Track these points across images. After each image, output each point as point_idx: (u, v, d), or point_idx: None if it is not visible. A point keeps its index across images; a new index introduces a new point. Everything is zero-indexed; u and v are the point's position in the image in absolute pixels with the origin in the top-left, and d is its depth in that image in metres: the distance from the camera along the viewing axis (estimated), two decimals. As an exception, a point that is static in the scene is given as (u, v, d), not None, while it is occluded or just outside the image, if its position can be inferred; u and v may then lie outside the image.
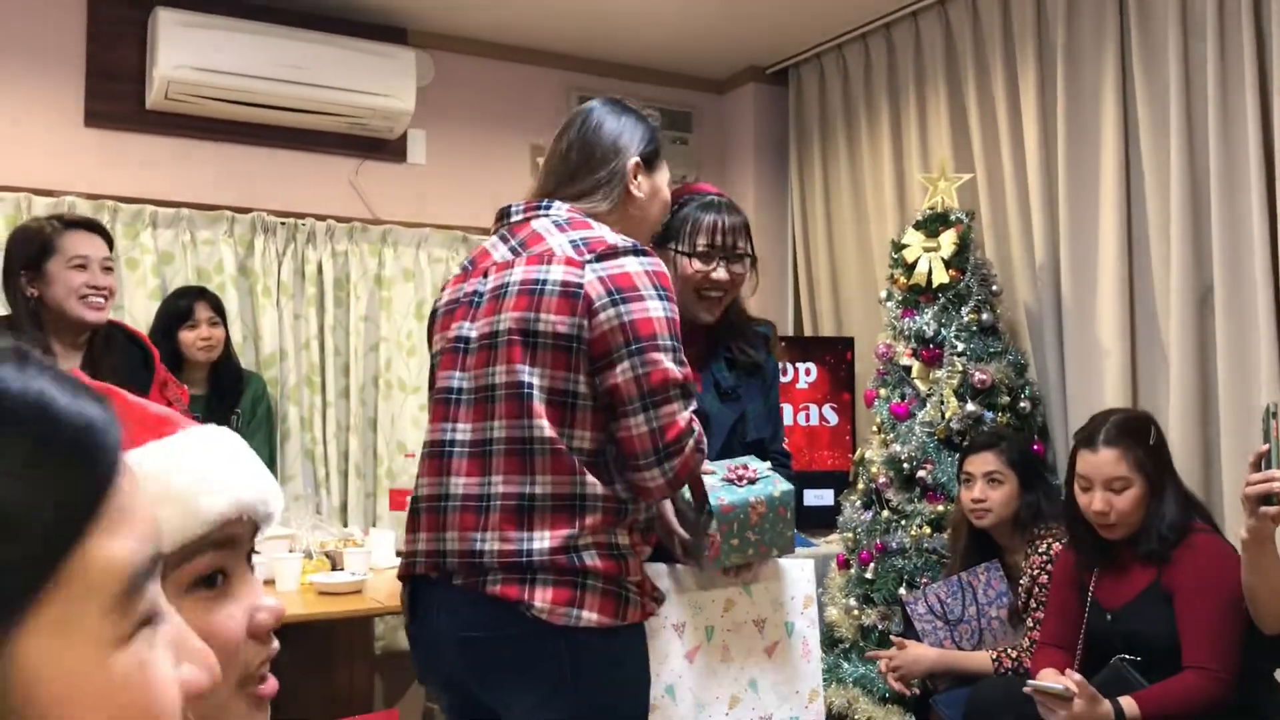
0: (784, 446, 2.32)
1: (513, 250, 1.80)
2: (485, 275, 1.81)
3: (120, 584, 0.47)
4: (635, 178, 1.85)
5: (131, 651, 0.48)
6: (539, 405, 1.66)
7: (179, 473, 0.74)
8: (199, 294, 3.55)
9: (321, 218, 4.10)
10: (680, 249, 2.15)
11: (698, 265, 2.13)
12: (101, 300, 2.58)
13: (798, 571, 2.15)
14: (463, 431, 1.73)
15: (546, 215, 1.82)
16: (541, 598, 1.63)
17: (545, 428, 1.66)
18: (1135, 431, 2.47)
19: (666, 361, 1.65)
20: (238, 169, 4.01)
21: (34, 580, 0.45)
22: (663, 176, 1.93)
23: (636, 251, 1.72)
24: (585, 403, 1.68)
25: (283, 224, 4.05)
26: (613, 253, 1.71)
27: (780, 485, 2.01)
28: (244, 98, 3.82)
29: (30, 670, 0.44)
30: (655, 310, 1.67)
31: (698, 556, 1.97)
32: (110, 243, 2.71)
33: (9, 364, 0.48)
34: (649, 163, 1.88)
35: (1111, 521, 2.43)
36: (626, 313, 1.66)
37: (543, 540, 1.64)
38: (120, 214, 3.80)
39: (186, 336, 3.45)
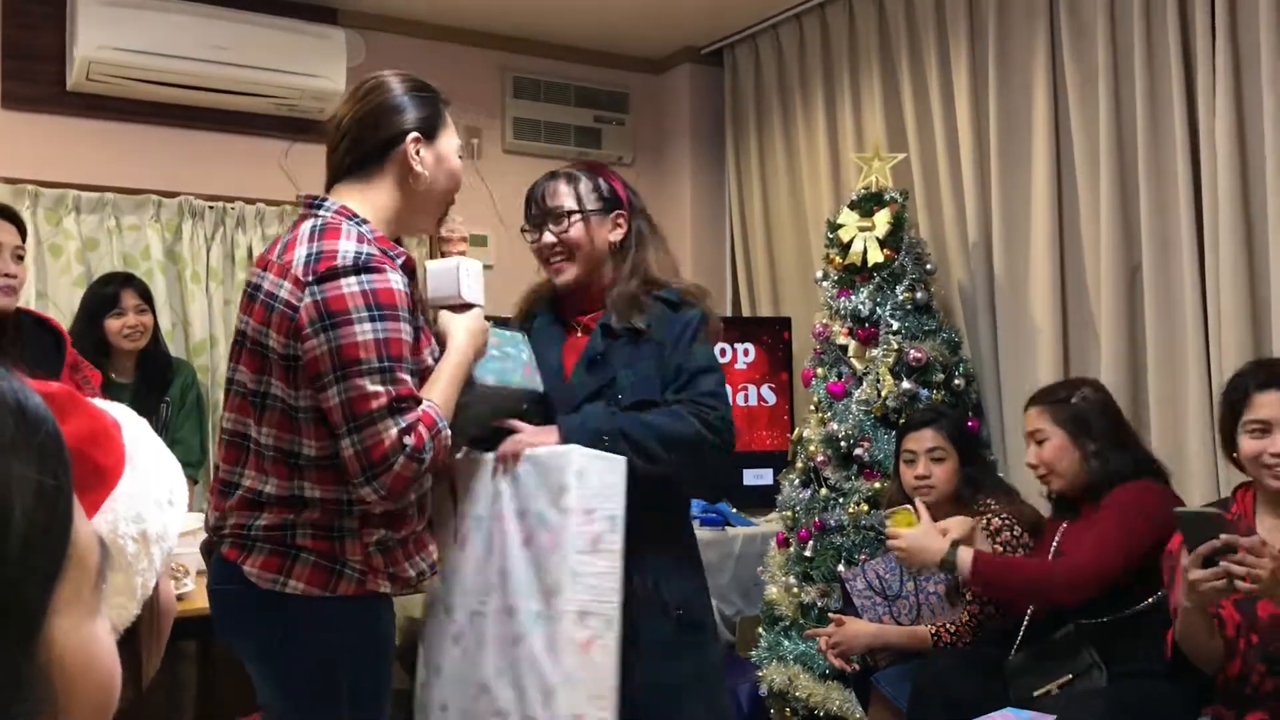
0: (704, 395, 2.14)
1: (281, 249, 1.85)
2: (263, 269, 1.86)
3: (96, 557, 0.52)
4: (416, 152, 1.86)
5: (103, 616, 0.53)
6: (269, 414, 1.79)
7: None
8: (125, 280, 3.47)
9: (251, 201, 4.03)
10: (524, 226, 2.26)
11: (529, 237, 2.24)
12: (12, 287, 2.55)
13: (555, 459, 2.03)
14: (229, 420, 1.88)
15: (315, 216, 1.85)
16: (253, 563, 1.79)
17: (273, 435, 1.79)
18: (1060, 393, 2.75)
19: (370, 385, 1.71)
20: (163, 152, 3.92)
21: (61, 556, 0.49)
22: (447, 145, 1.93)
23: (359, 270, 1.74)
24: (308, 415, 1.77)
25: (211, 208, 3.97)
26: (332, 274, 1.73)
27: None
28: (168, 79, 3.74)
29: (57, 646, 0.49)
30: (363, 334, 1.71)
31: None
32: (22, 230, 2.65)
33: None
34: (429, 134, 1.89)
35: (1043, 472, 2.71)
36: (335, 338, 1.72)
37: (267, 519, 1.80)
38: (42, 199, 3.70)
39: (113, 324, 3.37)
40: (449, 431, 1.80)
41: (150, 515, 0.62)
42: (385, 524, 1.81)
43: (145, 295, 3.48)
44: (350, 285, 1.73)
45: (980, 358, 3.66)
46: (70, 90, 3.73)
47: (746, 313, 4.70)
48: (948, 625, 2.83)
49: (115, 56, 3.62)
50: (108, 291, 3.41)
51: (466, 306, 1.98)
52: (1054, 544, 2.70)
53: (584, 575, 1.98)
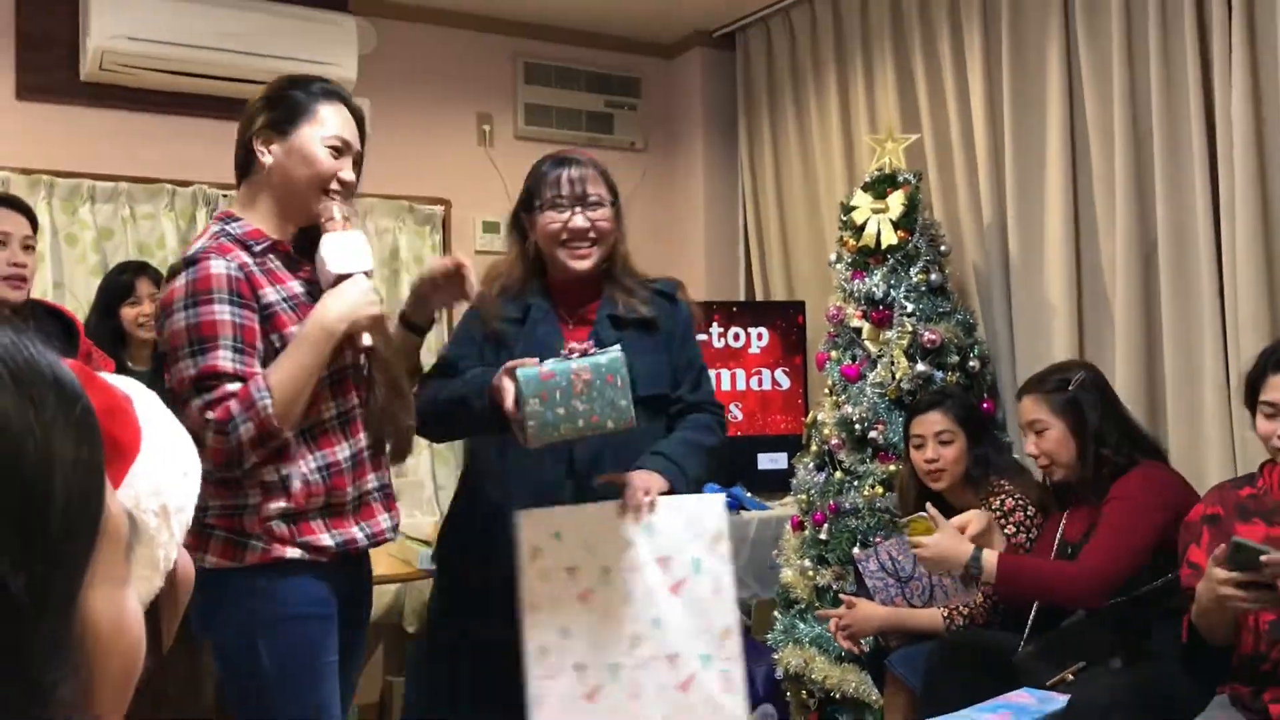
0: (710, 396, 2.37)
1: None
2: None
3: (126, 532, 0.54)
4: (265, 149, 1.97)
5: (131, 588, 0.55)
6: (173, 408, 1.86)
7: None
8: (140, 269, 3.47)
9: (265, 190, 4.04)
10: (542, 204, 2.25)
11: (552, 215, 2.23)
12: (22, 279, 2.52)
13: (703, 507, 2.17)
14: None
15: (209, 224, 2.04)
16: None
17: None
18: (1057, 380, 2.71)
19: (183, 368, 1.85)
20: (177, 141, 3.93)
21: (96, 527, 0.51)
22: (304, 136, 1.98)
23: (187, 264, 1.89)
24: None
25: (225, 196, 3.97)
26: (172, 273, 1.93)
27: (610, 353, 2.02)
28: (181, 68, 3.74)
29: (91, 617, 0.50)
30: (179, 322, 1.86)
31: (521, 433, 2.02)
32: (32, 220, 2.63)
33: (23, 337, 0.52)
34: (277, 127, 1.98)
35: (1044, 463, 2.69)
36: (167, 328, 1.88)
37: None
38: (57, 189, 3.72)
39: (128, 313, 3.37)
40: (270, 404, 1.82)
41: (169, 488, 0.63)
42: (284, 495, 1.90)
43: (160, 283, 3.49)
44: (179, 280, 1.88)
45: (995, 339, 3.64)
46: (84, 80, 3.74)
47: (760, 297, 4.69)
48: (961, 608, 2.83)
49: (128, 46, 3.63)
50: (123, 280, 3.42)
51: (341, 279, 1.97)
52: (1058, 535, 2.69)
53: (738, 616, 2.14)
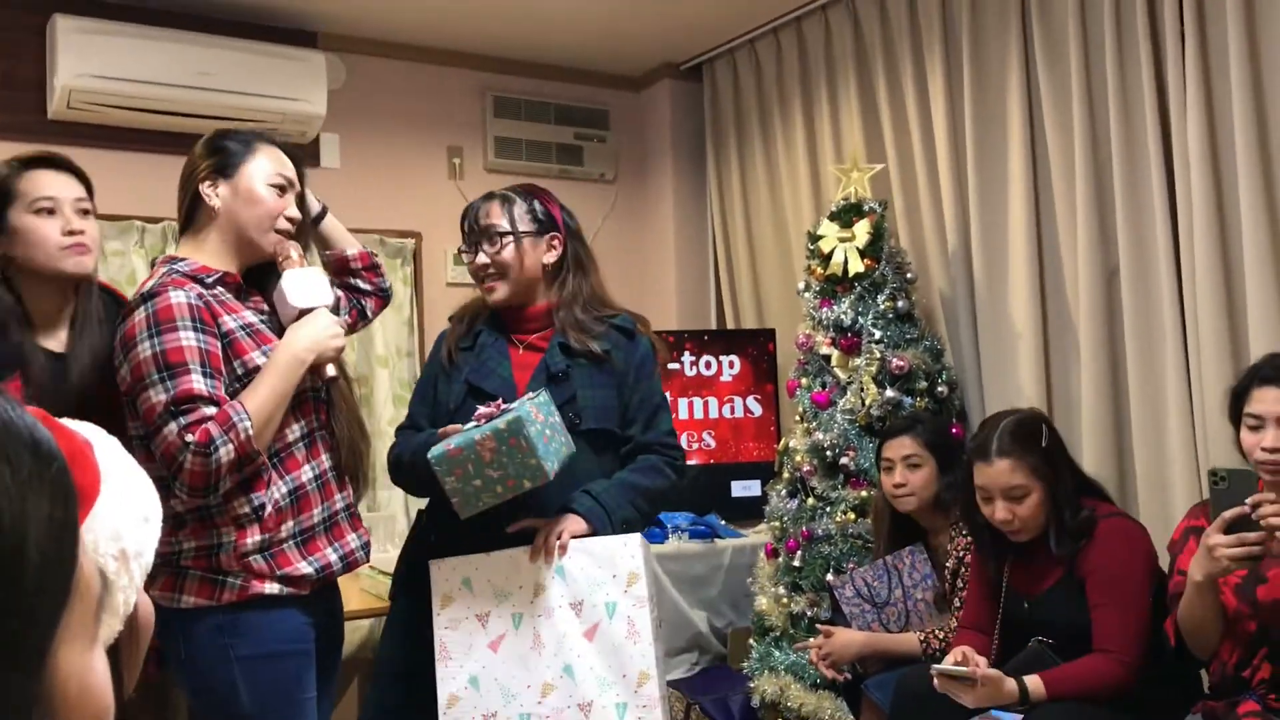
0: (667, 435, 2.30)
1: None
2: None
3: (97, 589, 0.54)
4: (212, 191, 2.03)
5: (100, 652, 0.55)
6: (135, 450, 1.92)
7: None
8: None
9: (235, 225, 4.04)
10: (464, 247, 2.33)
11: (468, 257, 2.31)
12: (84, 246, 2.09)
13: (615, 548, 2.11)
14: None
15: (153, 270, 2.05)
16: (155, 586, 1.92)
17: (147, 470, 1.90)
18: (1027, 437, 2.50)
19: (153, 395, 1.86)
20: (146, 178, 3.92)
21: (69, 586, 0.51)
22: (248, 177, 2.05)
23: (144, 299, 1.91)
24: (141, 443, 1.93)
25: (195, 233, 3.98)
26: (129, 310, 1.95)
27: (507, 416, 1.98)
28: (149, 105, 3.75)
29: (59, 676, 0.50)
30: (144, 351, 1.88)
31: (458, 508, 2.04)
32: (86, 182, 2.19)
33: (14, 407, 0.52)
34: (222, 171, 2.04)
35: (1016, 528, 2.47)
36: (129, 362, 1.90)
37: (160, 545, 1.87)
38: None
39: None
40: (250, 426, 1.86)
41: (128, 533, 0.63)
42: (259, 525, 1.91)
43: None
44: (137, 315, 1.90)
45: (963, 364, 3.68)
46: (52, 118, 3.74)
47: (731, 325, 4.72)
48: (937, 632, 2.85)
49: (95, 84, 3.63)
50: None
51: (305, 313, 2.03)
52: (1003, 583, 2.57)
53: (659, 658, 2.07)
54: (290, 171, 2.09)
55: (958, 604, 2.82)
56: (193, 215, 2.06)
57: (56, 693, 0.50)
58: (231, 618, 1.90)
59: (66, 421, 0.62)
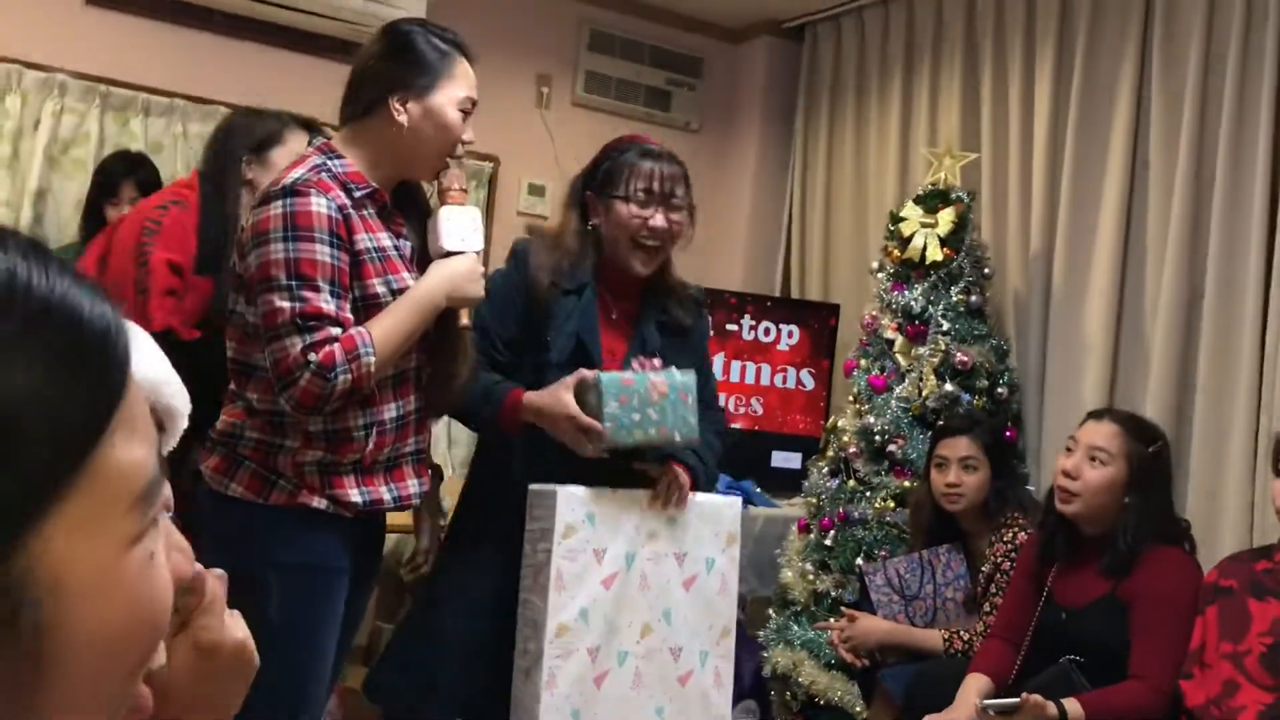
0: (716, 400, 2.43)
1: None
2: None
3: (140, 486, 0.51)
4: (401, 107, 1.92)
5: (143, 546, 0.51)
6: (233, 328, 1.93)
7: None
8: (131, 168, 3.26)
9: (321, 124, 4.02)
10: (618, 194, 2.19)
11: (635, 210, 2.18)
12: None
13: (724, 509, 2.24)
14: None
15: (308, 152, 1.99)
16: (208, 463, 1.93)
17: (233, 348, 1.93)
18: (1145, 429, 2.52)
19: (279, 300, 1.81)
20: (241, 67, 3.92)
21: (58, 477, 0.47)
22: (441, 99, 1.95)
23: (286, 194, 1.83)
24: (254, 330, 1.88)
25: (278, 126, 3.97)
26: (265, 199, 1.86)
27: (685, 373, 2.10)
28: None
29: (58, 562, 0.47)
30: (276, 252, 1.81)
31: (597, 442, 2.04)
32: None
33: (30, 261, 0.49)
34: (415, 87, 1.93)
35: (1074, 490, 2.42)
36: (258, 256, 1.83)
37: (222, 423, 1.94)
38: (111, 98, 3.72)
39: (110, 214, 3.14)
40: (373, 361, 1.82)
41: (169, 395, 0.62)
42: (327, 445, 1.89)
43: (147, 187, 3.21)
44: (276, 208, 1.83)
45: (1027, 369, 3.61)
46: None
47: (795, 294, 4.66)
48: (962, 633, 2.82)
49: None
50: (109, 177, 3.24)
51: (450, 255, 1.97)
52: (1045, 592, 2.53)
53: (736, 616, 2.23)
54: (476, 91, 2.00)
55: (988, 609, 2.79)
56: (361, 116, 1.94)
57: (44, 580, 0.47)
58: (275, 520, 1.89)
59: None
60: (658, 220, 2.18)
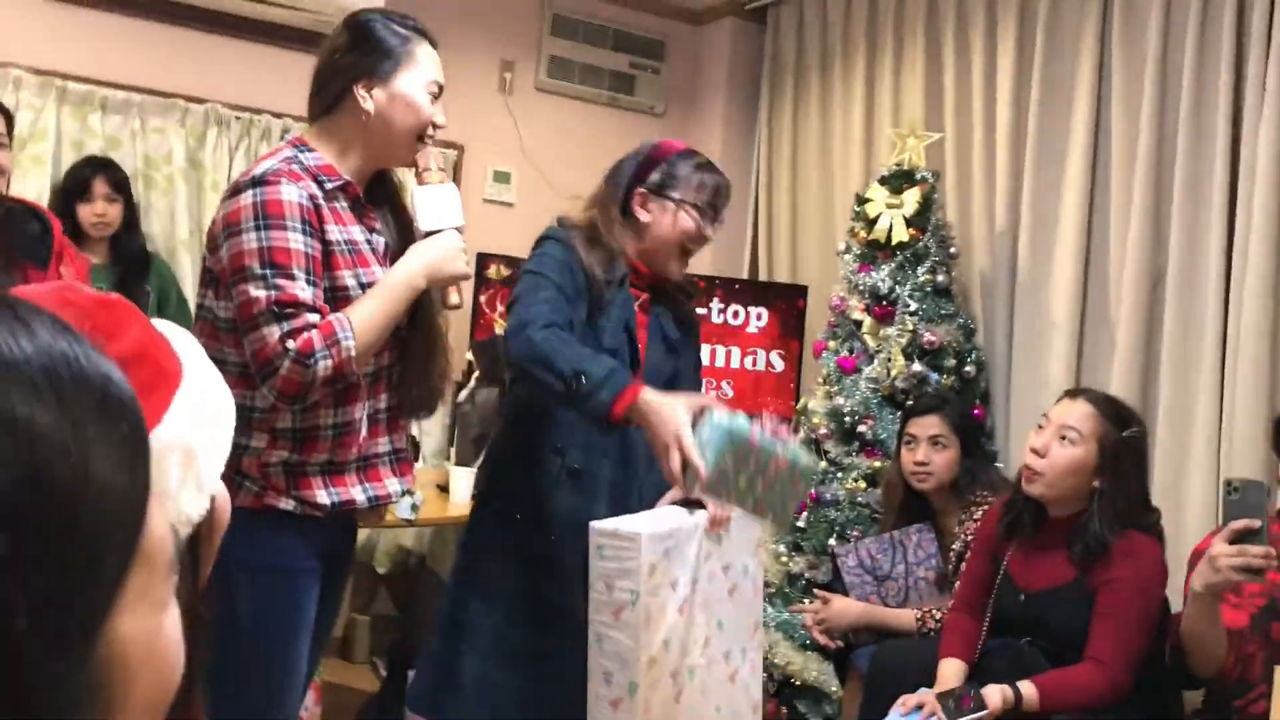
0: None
1: None
2: None
3: (170, 550, 0.51)
4: (366, 93, 1.90)
5: (171, 611, 0.52)
6: (201, 324, 1.90)
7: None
8: (100, 167, 3.42)
9: (278, 115, 3.99)
10: (686, 201, 2.24)
11: (698, 220, 2.24)
12: None
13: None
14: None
15: (279, 146, 1.97)
16: None
17: (202, 345, 1.81)
18: (1119, 412, 2.45)
19: (254, 290, 1.78)
20: (195, 57, 3.87)
21: (127, 563, 0.48)
22: (408, 83, 1.93)
23: (255, 184, 1.82)
24: (226, 325, 1.86)
25: (238, 118, 3.93)
26: (235, 190, 1.85)
27: (809, 458, 2.10)
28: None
29: (122, 641, 0.47)
30: (249, 242, 1.79)
31: (691, 481, 1.93)
32: (7, 116, 2.44)
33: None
34: (378, 73, 1.91)
35: (1039, 469, 2.38)
36: (229, 247, 1.81)
37: None
38: (69, 93, 3.67)
39: (82, 210, 3.34)
40: (354, 345, 1.80)
41: (194, 431, 0.61)
42: (293, 445, 1.86)
43: (118, 184, 3.43)
44: (245, 199, 1.81)
45: (994, 347, 3.64)
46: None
47: (764, 276, 4.67)
48: (934, 612, 2.85)
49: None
50: (80, 177, 3.38)
51: (430, 235, 1.94)
52: (1000, 571, 2.51)
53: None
54: (442, 75, 1.98)
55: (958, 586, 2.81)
56: (329, 109, 1.93)
57: (114, 660, 0.47)
58: (242, 523, 1.87)
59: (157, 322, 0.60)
60: (709, 232, 2.28)
